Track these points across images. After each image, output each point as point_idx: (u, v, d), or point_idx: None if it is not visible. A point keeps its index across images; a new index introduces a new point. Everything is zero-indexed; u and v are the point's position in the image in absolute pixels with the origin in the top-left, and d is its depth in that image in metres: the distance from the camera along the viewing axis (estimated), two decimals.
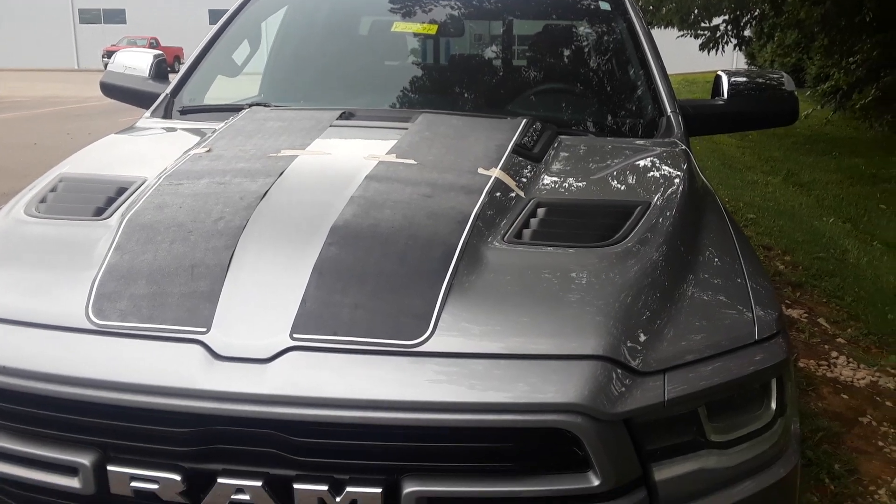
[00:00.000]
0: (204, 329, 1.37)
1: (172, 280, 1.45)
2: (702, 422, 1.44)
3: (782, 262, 5.78)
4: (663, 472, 1.40)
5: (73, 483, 1.37)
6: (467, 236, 1.55)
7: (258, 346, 1.34)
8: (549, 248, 1.59)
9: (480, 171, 1.83)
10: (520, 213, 1.72)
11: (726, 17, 12.11)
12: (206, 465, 1.35)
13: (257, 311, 1.39)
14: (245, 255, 1.49)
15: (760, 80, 2.81)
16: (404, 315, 1.38)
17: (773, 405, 1.55)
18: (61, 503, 1.43)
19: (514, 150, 2.00)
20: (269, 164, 1.84)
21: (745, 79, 2.79)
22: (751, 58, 24.25)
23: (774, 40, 14.11)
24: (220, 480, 1.33)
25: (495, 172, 1.83)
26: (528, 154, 2.05)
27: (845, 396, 3.66)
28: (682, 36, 13.15)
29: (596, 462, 1.31)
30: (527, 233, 1.65)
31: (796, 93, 2.80)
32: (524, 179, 1.90)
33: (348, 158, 1.94)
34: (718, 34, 12.39)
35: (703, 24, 12.38)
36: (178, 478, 1.33)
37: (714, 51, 12.59)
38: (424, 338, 1.35)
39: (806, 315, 4.74)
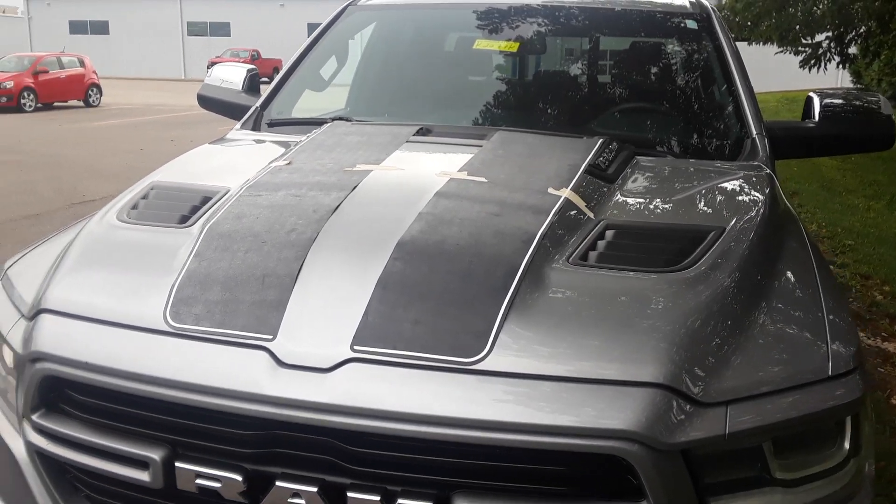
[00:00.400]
0: (270, 336, 1.42)
1: (244, 288, 1.52)
2: (766, 457, 1.39)
3: (881, 293, 5.49)
4: None
5: (143, 476, 1.44)
6: (531, 256, 1.55)
7: (320, 356, 1.38)
8: (614, 271, 1.58)
9: (550, 190, 1.83)
10: (587, 235, 1.70)
11: (829, 33, 11.63)
12: (267, 467, 1.39)
13: (321, 322, 1.43)
14: (314, 266, 1.54)
15: (855, 103, 2.70)
16: (463, 332, 1.39)
17: (847, 445, 1.48)
18: (131, 495, 1.50)
19: (586, 171, 1.99)
20: (344, 178, 1.89)
21: (838, 101, 2.68)
22: (857, 76, 23.19)
23: (881, 58, 13.45)
24: (278, 483, 1.37)
25: (565, 193, 1.82)
26: (602, 174, 2.03)
27: None
28: (781, 52, 12.70)
29: (650, 492, 1.29)
30: (593, 255, 1.64)
31: (893, 117, 2.67)
32: (595, 200, 1.88)
33: (421, 174, 1.97)
34: (820, 51, 11.90)
35: (804, 41, 11.93)
36: (239, 478, 1.39)
37: (816, 69, 12.10)
38: (482, 356, 1.35)
39: None
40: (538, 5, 3.16)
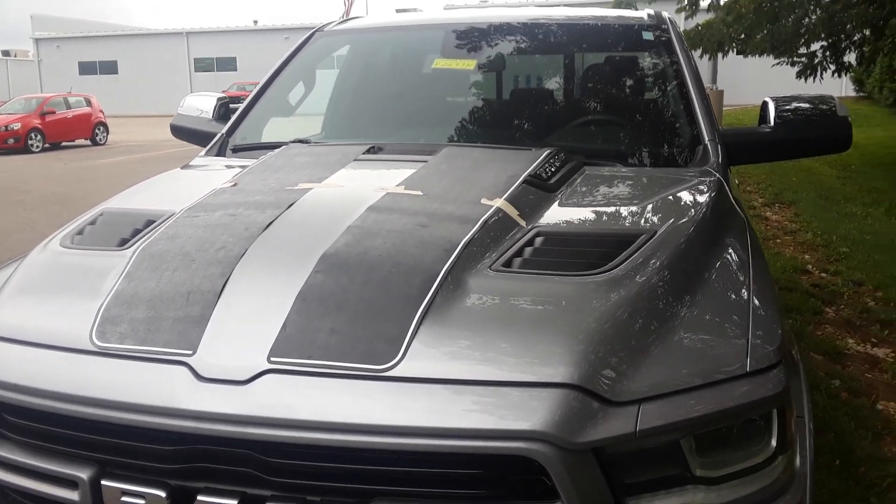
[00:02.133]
0: (190, 351, 1.44)
1: (169, 305, 1.54)
2: (686, 455, 1.39)
3: (873, 299, 5.45)
4: None
5: (73, 496, 1.45)
6: (452, 264, 1.57)
7: (238, 368, 1.40)
8: (534, 275, 1.59)
9: (483, 201, 1.85)
10: (516, 243, 1.72)
11: (823, 42, 11.64)
12: (189, 482, 1.40)
13: (241, 335, 1.45)
14: (238, 281, 1.56)
15: (810, 106, 2.70)
16: (377, 340, 1.40)
17: (773, 441, 1.47)
18: None
19: (525, 181, 2.00)
20: (282, 196, 1.92)
21: (794, 105, 2.69)
22: (858, 83, 23.16)
23: (877, 65, 13.43)
24: (199, 498, 1.38)
25: (498, 202, 1.84)
26: (543, 184, 2.05)
27: None
28: (777, 64, 12.72)
29: (563, 492, 1.29)
30: (517, 261, 1.65)
31: (849, 118, 2.68)
32: (531, 210, 1.90)
33: (359, 190, 1.99)
34: (816, 61, 11.91)
35: (798, 52, 11.94)
36: (163, 494, 1.40)
37: (812, 78, 12.10)
38: (394, 363, 1.37)
39: (893, 354, 4.44)
40: (497, 24, 3.20)
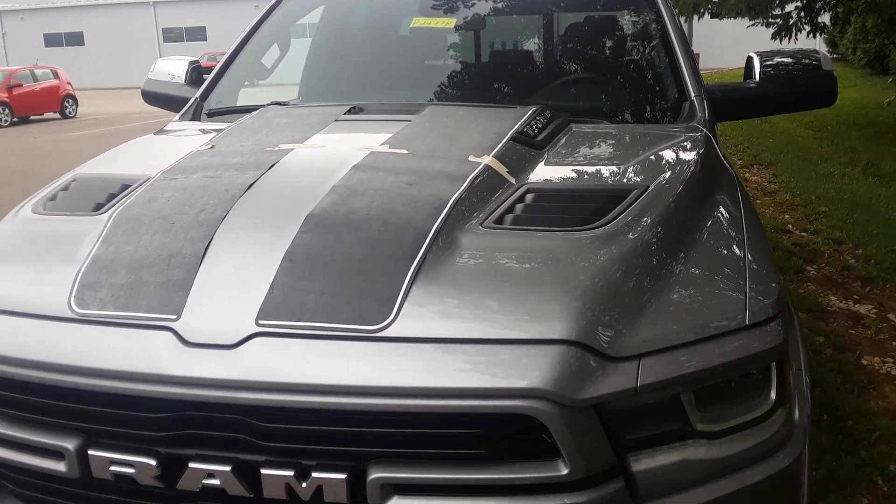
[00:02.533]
0: (175, 316, 1.39)
1: (150, 269, 1.48)
2: (686, 410, 1.37)
3: (853, 256, 5.50)
4: (642, 462, 1.34)
5: (60, 467, 1.41)
6: (442, 222, 1.52)
7: (225, 332, 1.35)
8: (526, 231, 1.55)
9: (471, 158, 1.80)
10: (506, 199, 1.68)
11: (798, 3, 11.61)
12: (180, 450, 1.36)
13: (227, 298, 1.40)
14: (221, 244, 1.51)
15: (795, 61, 2.67)
16: (368, 300, 1.36)
17: (773, 394, 1.46)
18: (51, 486, 1.47)
19: (513, 138, 1.96)
20: (263, 157, 1.86)
21: (778, 60, 2.66)
22: (832, 45, 23.24)
23: (850, 25, 13.45)
24: (191, 465, 1.34)
25: (486, 159, 1.79)
26: (530, 141, 2.00)
27: None
28: (752, 25, 12.69)
29: (564, 449, 1.26)
30: (509, 218, 1.61)
31: (834, 72, 2.65)
32: (520, 167, 1.86)
33: (341, 150, 1.94)
34: (791, 22, 11.88)
35: (773, 12, 11.90)
36: (153, 462, 1.36)
37: (787, 39, 12.08)
38: (387, 323, 1.33)
39: (875, 311, 4.49)
40: None
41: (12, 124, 20.70)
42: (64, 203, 1.87)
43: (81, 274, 1.51)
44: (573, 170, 1.97)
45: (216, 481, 1.33)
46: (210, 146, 2.04)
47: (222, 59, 3.09)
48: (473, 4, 3.08)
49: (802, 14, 11.76)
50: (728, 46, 28.52)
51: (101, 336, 1.41)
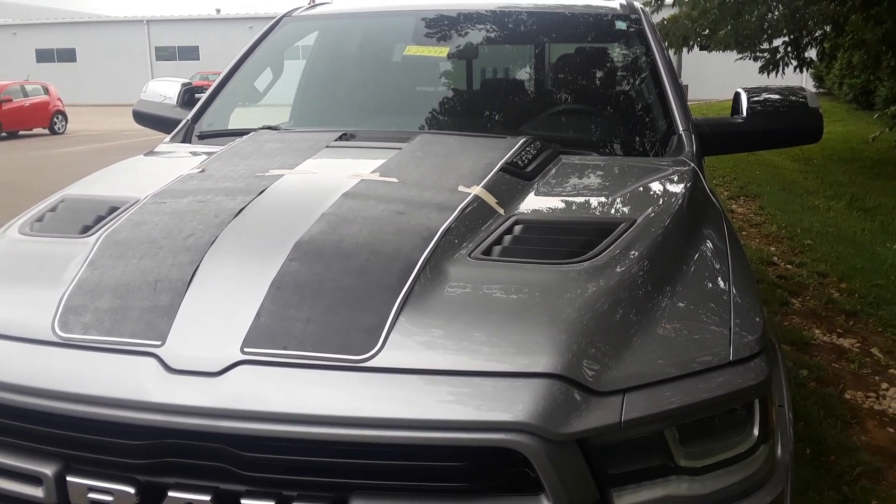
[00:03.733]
0: (159, 342, 1.38)
1: (136, 294, 1.47)
2: (670, 446, 1.37)
3: (837, 290, 5.54)
4: (625, 498, 1.33)
5: (37, 493, 1.39)
6: (430, 252, 1.53)
7: (209, 360, 1.34)
8: (514, 263, 1.56)
9: (461, 188, 1.81)
10: (494, 230, 1.68)
11: (786, 38, 11.81)
12: (159, 478, 1.35)
13: (212, 325, 1.40)
14: (209, 270, 1.50)
15: (782, 98, 2.71)
16: (355, 329, 1.36)
17: (756, 431, 1.46)
18: None
19: (503, 169, 1.97)
20: (253, 182, 1.86)
21: (765, 96, 2.70)
22: (818, 80, 23.58)
23: (837, 61, 13.66)
24: (170, 494, 1.32)
25: (475, 190, 1.80)
26: (519, 172, 2.02)
27: (891, 430, 3.45)
28: (741, 59, 12.88)
29: (547, 484, 1.26)
30: (497, 249, 1.62)
31: (821, 109, 2.69)
32: (509, 197, 1.87)
33: (331, 177, 1.94)
34: (778, 56, 12.07)
35: (761, 47, 12.10)
36: (132, 490, 1.34)
37: (775, 73, 12.27)
38: (373, 353, 1.32)
39: (858, 345, 4.51)
40: (469, 12, 3.16)
41: (0, 139, 20.60)
42: (51, 224, 1.86)
43: (66, 297, 1.50)
44: (562, 201, 1.98)
45: None
46: (200, 170, 2.04)
47: (215, 82, 3.10)
48: (466, 34, 3.11)
49: (790, 49, 11.96)
50: (717, 78, 28.92)
51: (84, 361, 1.39)
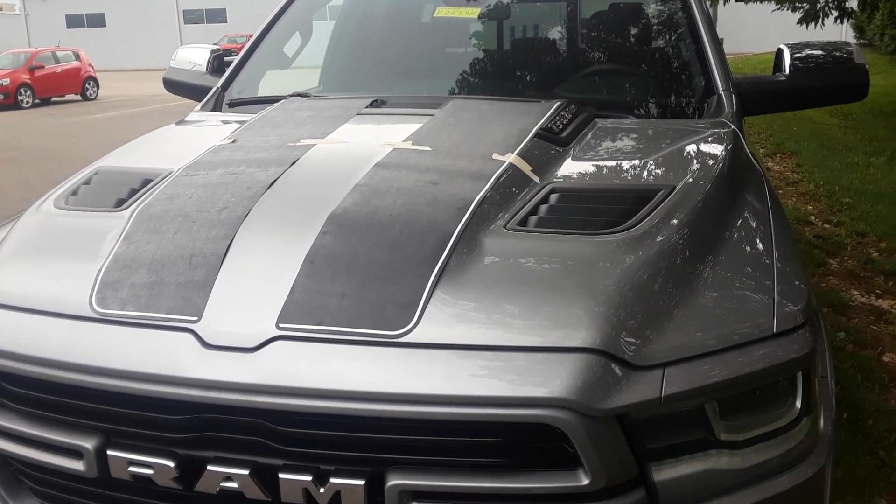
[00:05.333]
0: (195, 318, 1.38)
1: (171, 269, 1.48)
2: (710, 419, 1.35)
3: (876, 249, 5.41)
4: (664, 473, 1.32)
5: (78, 466, 1.42)
6: (465, 223, 1.50)
7: (245, 335, 1.34)
8: (551, 234, 1.53)
9: (495, 156, 1.78)
10: (530, 200, 1.65)
11: None
12: (198, 452, 1.36)
13: (248, 300, 1.40)
14: (242, 244, 1.50)
15: (826, 54, 2.61)
16: (390, 304, 1.35)
17: (798, 403, 1.43)
18: (70, 485, 1.48)
19: (537, 135, 1.93)
20: (285, 153, 1.84)
21: (808, 52, 2.60)
22: (859, 31, 22.82)
23: (879, 11, 13.17)
24: (209, 468, 1.34)
25: (510, 158, 1.77)
26: (554, 138, 1.97)
27: None
28: (778, 9, 12.47)
29: (585, 459, 1.25)
30: (533, 219, 1.59)
31: (867, 65, 2.59)
32: (543, 165, 1.83)
33: (364, 146, 1.92)
34: (818, 7, 11.67)
35: None
36: (171, 464, 1.36)
37: (814, 24, 11.87)
38: (408, 328, 1.31)
39: None
40: None
41: (34, 105, 20.85)
42: (86, 198, 1.86)
43: (103, 272, 1.51)
44: (598, 168, 1.94)
45: (234, 484, 1.33)
46: (232, 140, 2.02)
47: (244, 48, 3.08)
48: None
49: None
50: (752, 30, 28.12)
51: (122, 336, 1.40)
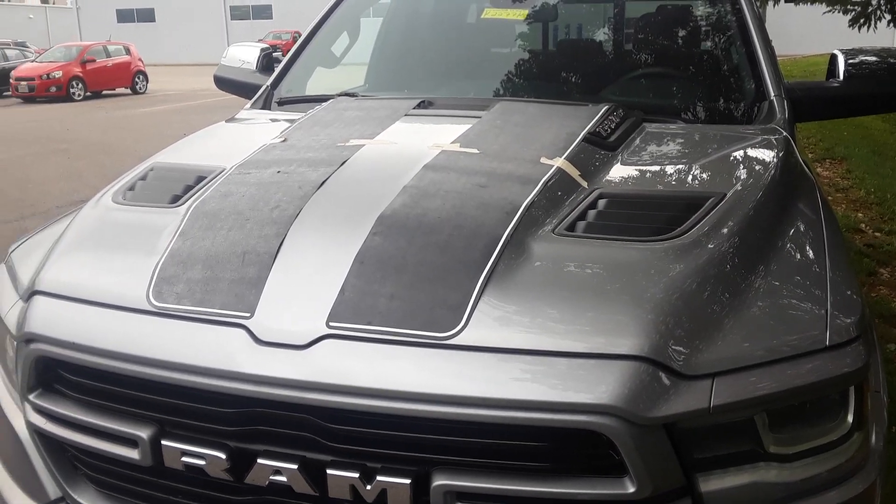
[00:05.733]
0: (248, 314, 1.41)
1: (225, 266, 1.51)
2: (759, 431, 1.34)
3: None
4: (711, 483, 1.31)
5: (133, 454, 1.46)
6: (514, 227, 1.51)
7: (296, 333, 1.37)
8: (600, 240, 1.52)
9: (543, 160, 1.78)
10: (578, 205, 1.65)
11: None
12: (249, 445, 1.39)
13: (299, 298, 1.42)
14: (294, 242, 1.52)
15: (881, 60, 2.56)
16: (439, 306, 1.36)
17: (850, 418, 1.41)
18: (124, 473, 1.52)
19: (585, 139, 1.92)
20: (335, 153, 1.87)
21: (863, 58, 2.55)
22: None
23: None
24: (259, 461, 1.37)
25: (558, 162, 1.77)
26: (602, 143, 1.97)
27: None
28: (829, 12, 12.19)
29: (632, 468, 1.25)
30: (581, 225, 1.59)
31: None
32: (592, 169, 1.83)
33: (412, 147, 1.93)
34: (870, 9, 11.36)
35: (853, 0, 11.41)
36: (223, 456, 1.39)
37: (866, 28, 11.57)
38: (457, 330, 1.32)
39: None
40: None
41: (85, 98, 21.36)
42: (142, 193, 1.91)
43: (160, 267, 1.55)
44: (647, 174, 1.92)
45: (283, 478, 1.36)
46: (282, 139, 2.06)
47: (293, 48, 3.13)
48: None
49: (883, 1, 11.24)
50: (801, 32, 27.54)
51: (178, 330, 1.44)
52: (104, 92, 22.61)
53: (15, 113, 17.77)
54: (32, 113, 17.57)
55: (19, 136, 12.98)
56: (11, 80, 20.82)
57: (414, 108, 2.26)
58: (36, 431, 1.60)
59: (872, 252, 5.43)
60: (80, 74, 21.49)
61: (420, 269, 1.43)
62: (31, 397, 1.58)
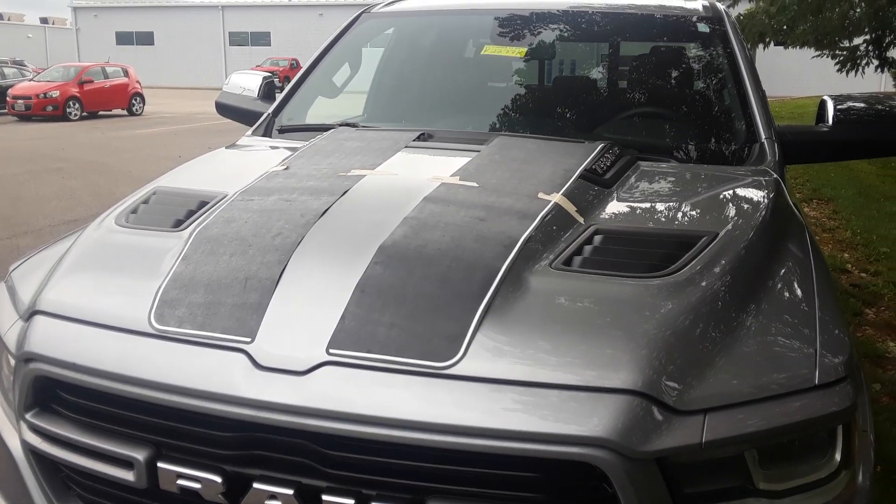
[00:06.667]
0: (249, 339, 1.43)
1: (227, 291, 1.53)
2: (749, 467, 1.36)
3: None
4: None
5: (128, 476, 1.47)
6: (512, 261, 1.54)
7: (296, 359, 1.39)
8: (596, 276, 1.56)
9: (541, 195, 1.82)
10: (575, 240, 1.69)
11: (867, 36, 11.35)
12: (245, 469, 1.41)
13: (299, 325, 1.44)
14: (296, 270, 1.55)
15: (869, 106, 2.63)
16: (437, 336, 1.39)
17: (838, 456, 1.44)
18: (118, 494, 1.53)
19: (581, 176, 1.97)
20: (336, 182, 1.91)
21: (852, 104, 2.62)
22: None
23: None
24: (255, 485, 1.38)
25: (556, 198, 1.81)
26: (598, 180, 2.01)
27: None
28: (818, 56, 12.44)
29: (624, 501, 1.27)
30: (577, 260, 1.62)
31: None
32: (588, 206, 1.87)
33: (413, 179, 1.97)
34: (858, 55, 11.62)
35: (841, 45, 11.66)
36: (219, 479, 1.40)
37: (854, 72, 11.82)
38: (455, 360, 1.35)
39: None
40: (550, 11, 3.15)
41: (81, 118, 21.41)
42: (145, 217, 1.94)
43: (162, 290, 1.57)
44: (642, 211, 1.97)
45: (278, 503, 1.37)
46: (284, 167, 2.09)
47: (295, 77, 3.18)
48: (541, 32, 3.10)
49: (871, 48, 11.50)
50: (790, 74, 27.99)
51: (178, 353, 1.46)
52: (101, 112, 22.68)
53: (10, 131, 17.78)
54: (28, 131, 17.60)
55: (14, 154, 12.99)
56: (8, 98, 20.86)
57: (414, 140, 2.31)
58: (31, 450, 1.60)
59: (858, 292, 5.49)
60: (78, 94, 21.56)
61: (420, 299, 1.46)
62: (27, 416, 1.59)
